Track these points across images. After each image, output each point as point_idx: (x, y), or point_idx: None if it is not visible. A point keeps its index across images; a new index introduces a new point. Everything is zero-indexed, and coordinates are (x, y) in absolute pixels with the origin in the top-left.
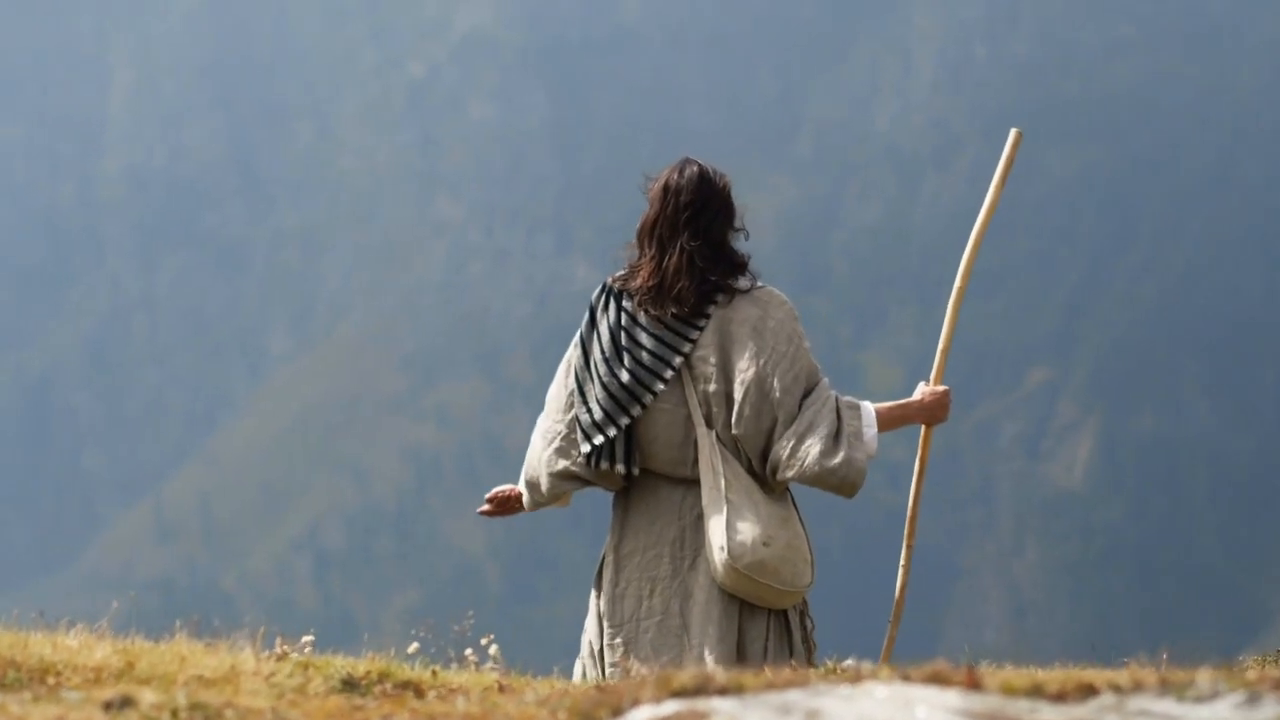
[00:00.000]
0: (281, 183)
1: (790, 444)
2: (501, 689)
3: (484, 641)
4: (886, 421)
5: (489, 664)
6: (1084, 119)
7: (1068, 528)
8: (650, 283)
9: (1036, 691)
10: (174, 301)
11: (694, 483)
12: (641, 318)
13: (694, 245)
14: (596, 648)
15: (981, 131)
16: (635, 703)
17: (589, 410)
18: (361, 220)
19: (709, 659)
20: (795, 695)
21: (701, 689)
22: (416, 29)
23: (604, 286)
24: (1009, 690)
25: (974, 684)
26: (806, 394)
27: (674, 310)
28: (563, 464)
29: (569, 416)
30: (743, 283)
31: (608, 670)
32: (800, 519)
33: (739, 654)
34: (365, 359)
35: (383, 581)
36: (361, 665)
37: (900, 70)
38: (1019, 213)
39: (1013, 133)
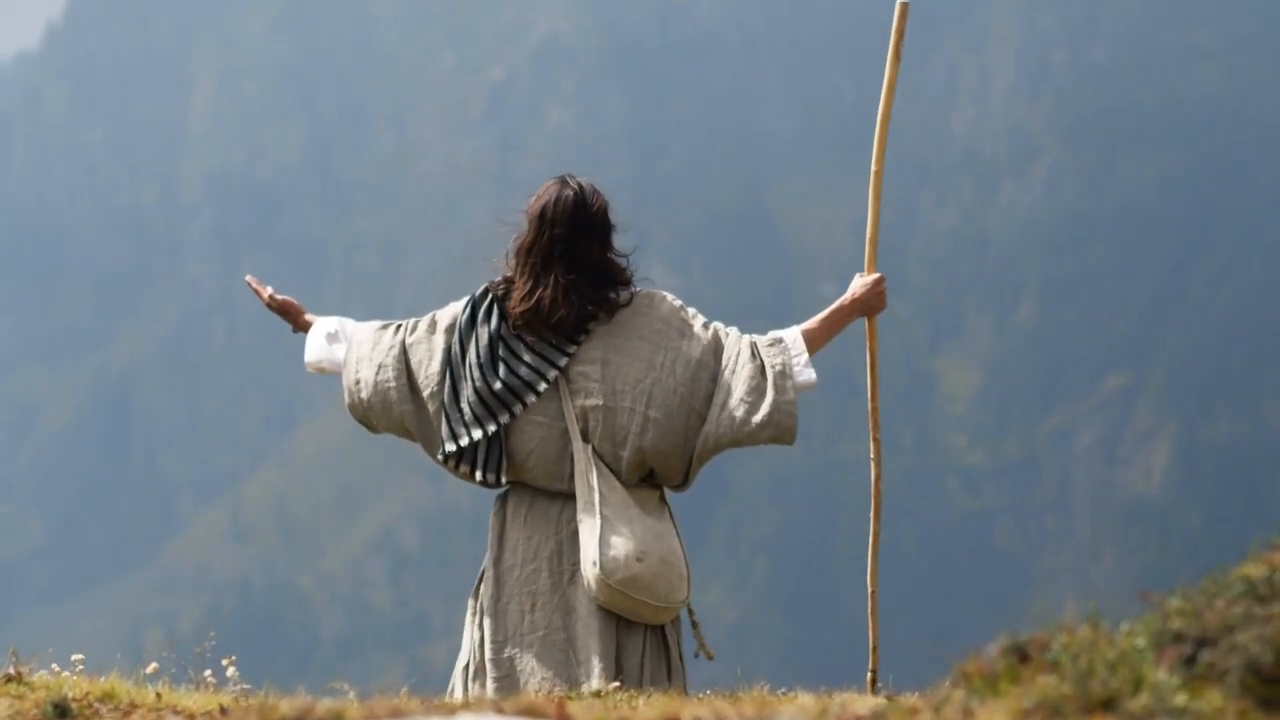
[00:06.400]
0: (360, 186)
1: (715, 417)
2: (223, 710)
3: (224, 663)
4: (822, 334)
5: (229, 685)
6: (1162, 125)
7: (1145, 535)
8: (524, 307)
9: None
10: (253, 304)
11: (571, 496)
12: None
13: (569, 278)
14: (475, 665)
15: (1059, 138)
16: None
17: (459, 410)
18: (439, 224)
19: (593, 674)
20: None
21: (301, 718)
22: (495, 33)
23: (488, 290)
24: None
25: (563, 716)
26: (718, 368)
27: (551, 337)
28: (409, 427)
29: (439, 399)
30: (623, 295)
31: (490, 687)
32: (678, 534)
33: (617, 670)
34: None
35: (458, 584)
36: (85, 686)
37: (978, 76)
38: (1097, 218)
39: (898, 4)
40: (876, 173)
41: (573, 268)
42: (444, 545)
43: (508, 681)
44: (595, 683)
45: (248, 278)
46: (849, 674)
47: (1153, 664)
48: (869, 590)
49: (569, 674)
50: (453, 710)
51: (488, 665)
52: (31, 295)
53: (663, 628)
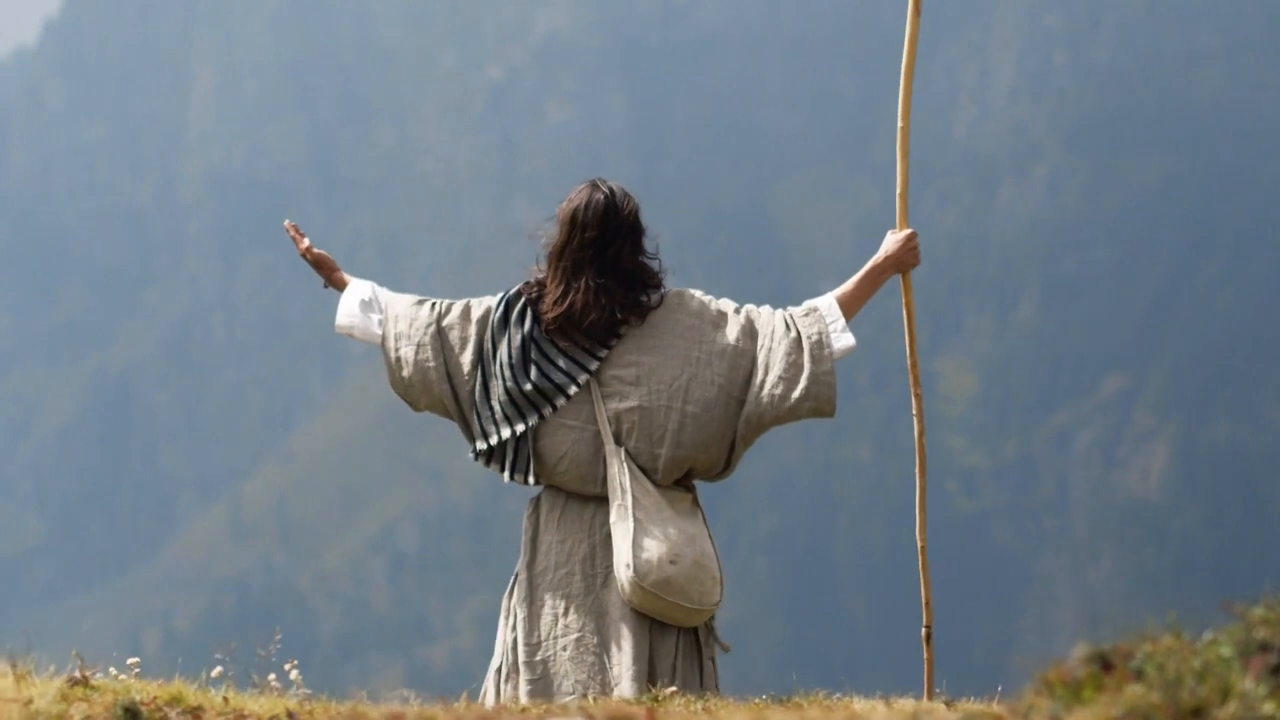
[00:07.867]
0: (361, 185)
1: (754, 396)
2: (290, 715)
3: (287, 667)
4: (858, 296)
5: (292, 689)
6: (1164, 126)
7: (1143, 536)
8: (556, 311)
9: None
10: (253, 302)
11: (604, 499)
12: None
13: (600, 282)
14: (508, 667)
15: (1060, 139)
16: None
17: (490, 407)
18: (440, 222)
19: (626, 677)
20: None
21: None
22: (496, 32)
23: (521, 291)
24: None
25: None
26: (755, 349)
27: (584, 342)
28: (448, 408)
29: (469, 389)
30: (654, 298)
31: (524, 690)
32: (710, 536)
33: (650, 672)
34: None
35: (458, 584)
36: (153, 690)
37: (979, 77)
38: (1097, 220)
39: None
40: (903, 129)
41: (604, 271)
42: (443, 545)
43: (541, 684)
44: (628, 686)
45: (286, 223)
46: (852, 674)
47: (1240, 673)
48: (919, 546)
49: (602, 677)
50: (541, 716)
51: (521, 668)
52: (31, 294)
53: (695, 630)
